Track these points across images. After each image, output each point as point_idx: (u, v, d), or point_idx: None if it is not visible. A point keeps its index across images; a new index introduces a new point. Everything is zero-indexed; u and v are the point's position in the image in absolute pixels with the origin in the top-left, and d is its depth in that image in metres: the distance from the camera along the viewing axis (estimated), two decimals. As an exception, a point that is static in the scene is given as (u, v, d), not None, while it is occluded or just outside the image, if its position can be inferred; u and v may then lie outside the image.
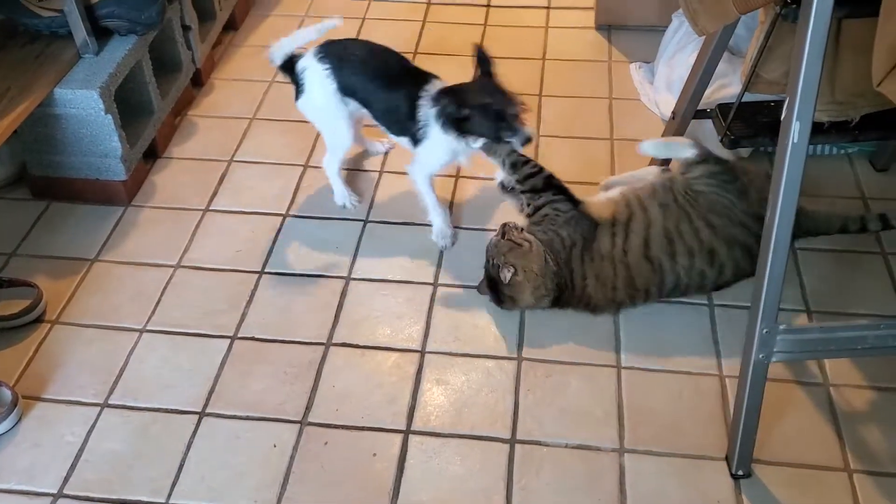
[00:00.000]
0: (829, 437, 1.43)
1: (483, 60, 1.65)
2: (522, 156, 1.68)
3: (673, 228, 1.58)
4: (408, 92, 1.68)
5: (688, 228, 1.58)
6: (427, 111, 1.64)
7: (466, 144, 1.65)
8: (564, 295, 1.59)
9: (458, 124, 1.60)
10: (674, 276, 1.57)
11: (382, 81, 1.72)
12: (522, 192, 1.67)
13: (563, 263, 1.57)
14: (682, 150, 1.67)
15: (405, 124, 1.70)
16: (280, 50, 1.76)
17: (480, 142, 1.65)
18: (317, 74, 1.73)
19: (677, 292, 1.60)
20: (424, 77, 1.71)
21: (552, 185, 1.65)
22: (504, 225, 1.62)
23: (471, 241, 1.79)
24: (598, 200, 1.67)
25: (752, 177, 1.64)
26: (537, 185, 1.65)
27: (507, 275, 1.54)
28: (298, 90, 1.77)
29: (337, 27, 1.74)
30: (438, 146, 1.68)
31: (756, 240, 1.56)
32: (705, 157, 1.64)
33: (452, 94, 1.61)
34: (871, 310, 1.62)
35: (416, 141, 1.71)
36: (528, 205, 1.66)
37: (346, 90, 1.74)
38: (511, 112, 1.59)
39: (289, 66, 1.77)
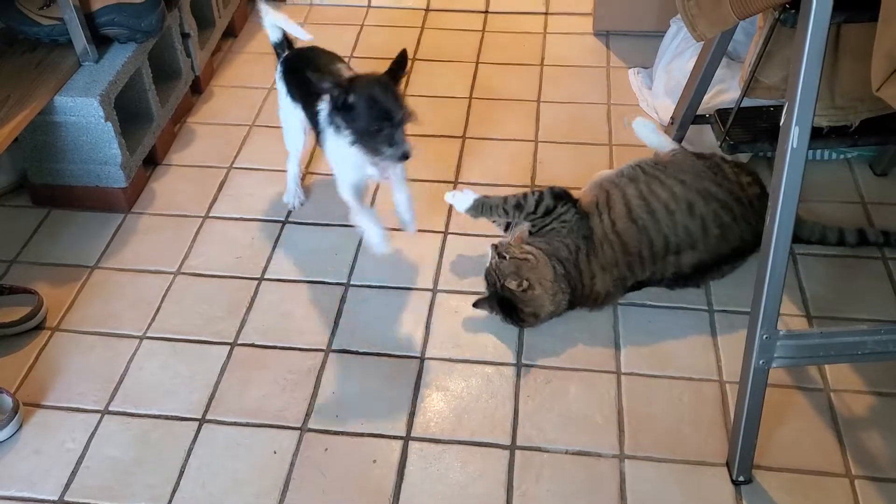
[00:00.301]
0: (829, 442, 1.43)
1: (398, 62, 1.49)
2: (505, 198, 1.66)
3: (646, 191, 1.63)
4: (318, 93, 1.54)
5: (659, 188, 1.63)
6: (324, 110, 1.53)
7: (350, 144, 1.49)
8: (576, 294, 1.59)
9: (339, 115, 1.47)
10: (661, 236, 1.59)
11: (309, 87, 1.58)
12: (527, 221, 1.66)
13: (571, 267, 1.58)
14: (666, 145, 1.76)
15: (316, 132, 1.62)
16: (274, 24, 1.77)
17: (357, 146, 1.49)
18: (278, 73, 1.79)
19: (671, 257, 1.60)
20: (341, 77, 1.56)
21: (560, 197, 1.64)
22: (495, 246, 1.61)
23: (468, 246, 1.79)
24: (581, 194, 1.71)
25: (720, 161, 1.69)
26: (550, 205, 1.63)
27: (526, 292, 1.53)
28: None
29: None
30: (336, 148, 1.54)
31: (734, 199, 1.60)
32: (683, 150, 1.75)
33: (341, 82, 1.46)
34: (872, 314, 1.62)
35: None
36: (535, 226, 1.65)
37: (292, 96, 1.75)
38: (395, 118, 1.44)
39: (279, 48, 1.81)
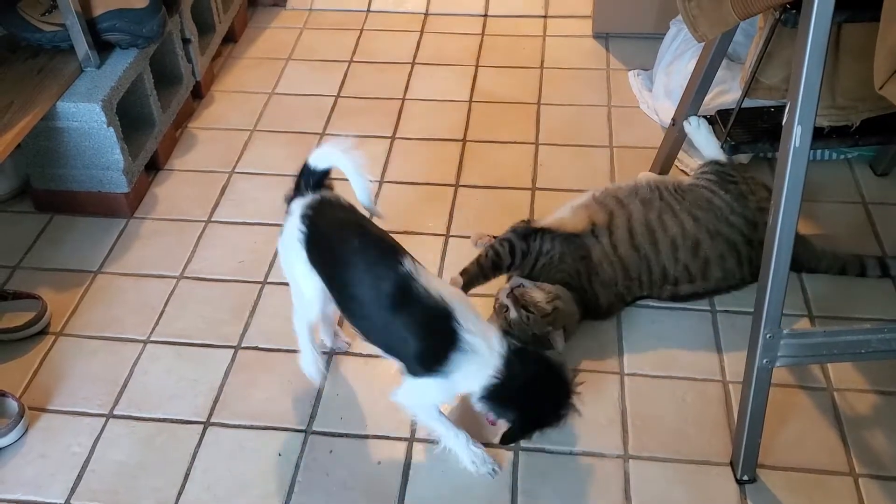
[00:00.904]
0: (833, 441, 1.43)
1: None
2: (488, 257, 1.60)
3: (655, 219, 1.60)
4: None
5: (671, 220, 1.60)
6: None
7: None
8: (588, 311, 1.60)
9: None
10: (659, 267, 1.59)
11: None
12: (519, 266, 1.62)
13: (580, 290, 1.58)
14: (715, 150, 1.71)
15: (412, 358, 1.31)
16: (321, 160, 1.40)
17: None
18: (295, 229, 1.38)
19: (669, 286, 1.61)
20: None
21: (527, 235, 1.61)
22: (514, 297, 1.51)
23: (471, 248, 1.79)
24: (568, 214, 1.65)
25: (753, 186, 1.66)
26: (524, 248, 1.61)
27: (562, 342, 1.50)
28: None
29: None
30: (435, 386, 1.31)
31: (745, 242, 1.58)
32: (725, 162, 1.69)
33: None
34: (874, 314, 1.63)
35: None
36: (522, 269, 1.62)
37: (313, 265, 1.37)
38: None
39: (306, 183, 1.40)
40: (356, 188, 1.37)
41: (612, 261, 1.59)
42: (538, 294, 1.51)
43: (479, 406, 1.32)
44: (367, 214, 1.39)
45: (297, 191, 1.41)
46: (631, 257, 1.59)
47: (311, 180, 1.39)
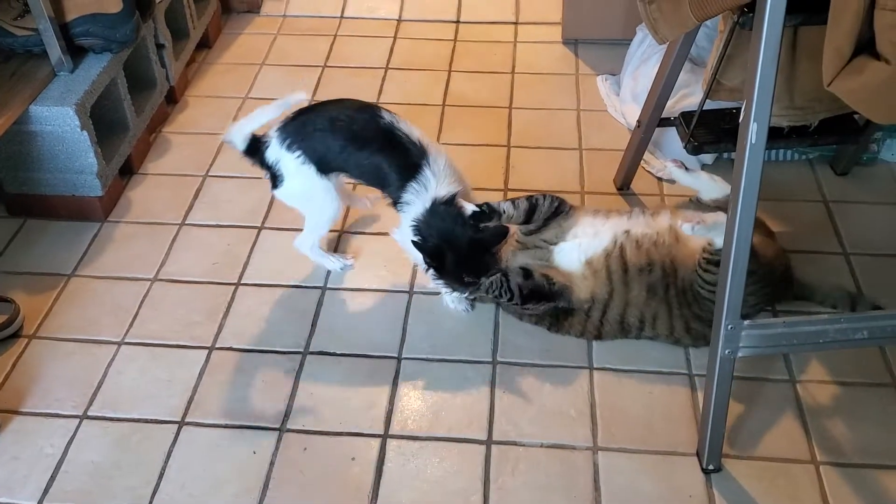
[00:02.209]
0: (795, 430, 1.47)
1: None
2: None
3: (650, 317, 1.57)
4: (398, 160, 1.55)
5: (663, 322, 1.57)
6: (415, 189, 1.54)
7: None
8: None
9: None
10: (636, 337, 1.61)
11: (361, 147, 1.56)
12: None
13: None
14: (712, 187, 1.65)
15: (391, 189, 1.58)
16: (239, 133, 1.61)
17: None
18: (291, 163, 1.58)
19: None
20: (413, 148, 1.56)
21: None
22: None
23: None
24: (579, 274, 1.58)
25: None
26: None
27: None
28: (274, 180, 1.63)
29: (301, 102, 1.61)
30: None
31: None
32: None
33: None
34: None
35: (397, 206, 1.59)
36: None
37: (325, 168, 1.59)
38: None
39: (254, 149, 1.62)
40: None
41: (587, 328, 1.61)
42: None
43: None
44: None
45: (257, 151, 1.63)
46: (612, 330, 1.60)
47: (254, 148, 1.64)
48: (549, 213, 1.61)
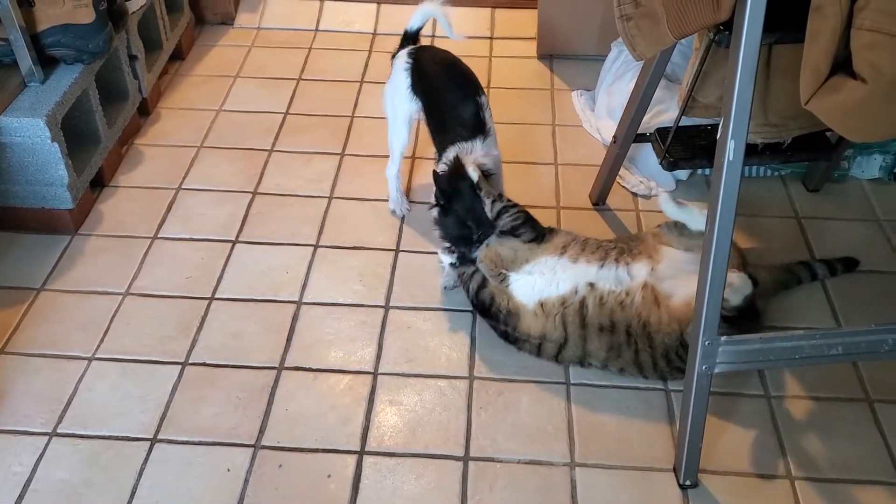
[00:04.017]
0: (771, 446, 1.48)
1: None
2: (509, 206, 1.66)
3: (614, 360, 1.55)
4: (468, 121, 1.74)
5: (630, 359, 1.54)
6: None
7: None
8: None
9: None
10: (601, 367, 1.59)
11: (442, 91, 1.79)
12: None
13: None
14: (702, 220, 1.53)
15: (446, 136, 1.75)
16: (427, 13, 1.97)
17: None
18: (401, 66, 1.85)
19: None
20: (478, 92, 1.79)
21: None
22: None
23: (420, 263, 1.82)
24: (530, 311, 1.57)
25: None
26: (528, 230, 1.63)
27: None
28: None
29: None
30: None
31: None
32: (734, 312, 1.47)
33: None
34: (808, 323, 1.69)
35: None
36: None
37: (415, 90, 1.83)
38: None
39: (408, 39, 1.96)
40: (444, 27, 1.99)
41: (534, 343, 1.59)
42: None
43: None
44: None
45: (400, 47, 1.94)
46: (569, 353, 1.58)
47: (410, 39, 1.96)
48: (507, 227, 1.61)
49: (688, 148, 1.73)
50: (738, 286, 1.46)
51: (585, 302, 1.53)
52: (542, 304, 1.55)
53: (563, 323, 1.54)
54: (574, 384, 1.58)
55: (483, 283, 1.62)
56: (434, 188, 1.65)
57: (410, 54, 1.87)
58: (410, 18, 1.94)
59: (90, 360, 1.61)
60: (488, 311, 1.62)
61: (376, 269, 1.81)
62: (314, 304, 1.74)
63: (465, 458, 1.45)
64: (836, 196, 2.01)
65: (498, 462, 1.45)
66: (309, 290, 1.77)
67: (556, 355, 1.58)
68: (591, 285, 1.53)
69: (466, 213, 1.63)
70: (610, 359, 1.55)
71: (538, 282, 1.57)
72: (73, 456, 1.45)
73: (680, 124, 1.68)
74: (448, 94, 1.78)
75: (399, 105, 1.86)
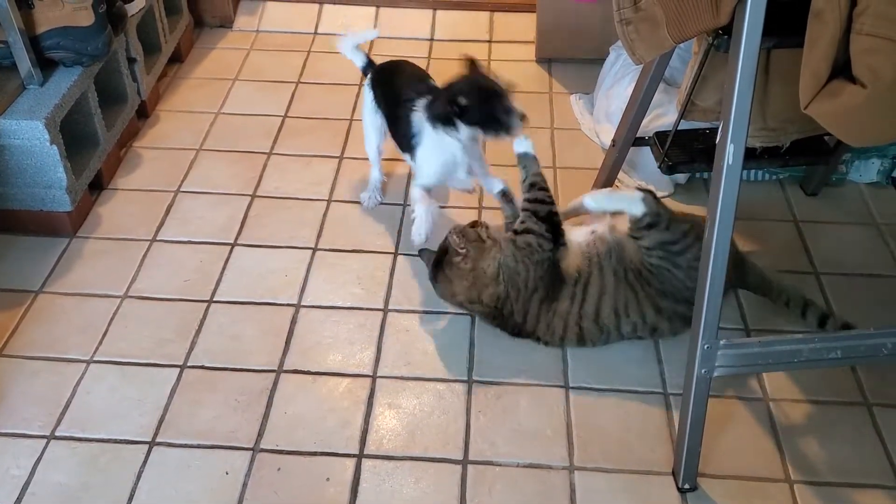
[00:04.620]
0: (770, 449, 1.48)
1: (471, 63, 1.72)
2: (544, 183, 1.66)
3: (622, 306, 1.58)
4: (407, 102, 1.74)
5: (634, 308, 1.59)
6: (419, 116, 1.71)
7: (461, 142, 1.69)
8: (506, 321, 1.62)
9: (452, 118, 1.64)
10: (617, 337, 1.63)
11: (395, 97, 1.81)
12: (524, 209, 1.64)
13: (513, 295, 1.59)
14: (630, 204, 1.58)
15: (406, 135, 1.76)
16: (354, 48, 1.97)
17: (473, 135, 1.68)
18: (367, 84, 1.92)
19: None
20: (427, 87, 1.78)
21: (551, 221, 1.61)
22: (475, 222, 1.65)
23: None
24: (573, 245, 1.62)
25: (692, 243, 1.57)
26: (540, 211, 1.61)
27: (457, 257, 1.58)
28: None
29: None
30: (432, 151, 1.72)
31: None
32: (654, 219, 1.56)
33: (444, 91, 1.67)
34: (806, 327, 1.68)
35: (412, 152, 1.76)
36: (522, 223, 1.62)
37: (377, 104, 1.89)
38: (503, 98, 1.65)
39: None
40: (365, 39, 2.09)
41: (568, 323, 1.60)
42: (485, 231, 1.63)
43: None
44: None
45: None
46: (591, 330, 1.60)
47: (368, 67, 1.97)
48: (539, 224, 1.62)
49: (686, 151, 1.73)
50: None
51: (593, 241, 1.63)
52: (579, 244, 1.64)
53: (588, 258, 1.61)
54: (573, 387, 1.58)
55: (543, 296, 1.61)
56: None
57: (368, 73, 1.95)
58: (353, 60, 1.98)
59: (88, 362, 1.61)
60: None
61: (375, 272, 1.81)
62: (313, 307, 1.74)
63: (464, 462, 1.45)
64: (834, 200, 2.01)
65: (497, 465, 1.45)
66: (308, 293, 1.76)
67: (579, 313, 1.59)
68: (593, 231, 1.66)
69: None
70: (618, 290, 1.58)
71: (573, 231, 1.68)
72: (71, 459, 1.44)
73: (678, 128, 1.68)
74: (401, 90, 1.81)
75: (368, 119, 1.93)
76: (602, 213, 1.68)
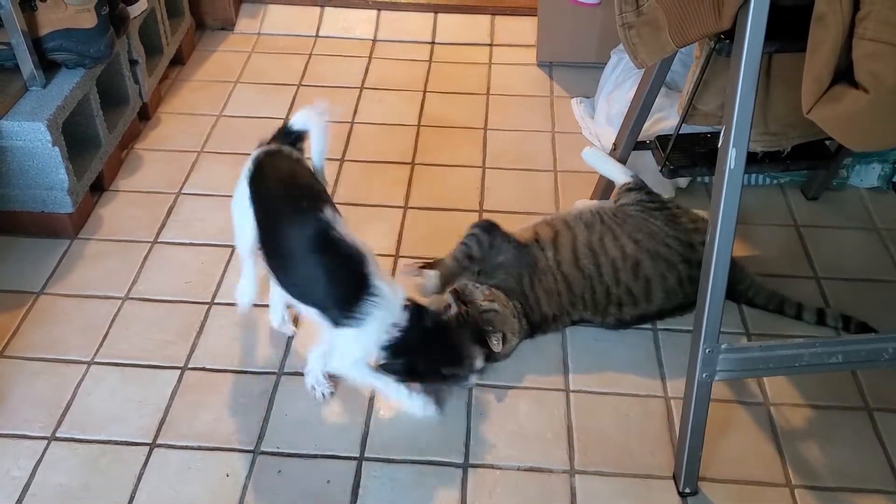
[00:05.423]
0: (770, 454, 1.48)
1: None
2: (462, 249, 1.67)
3: (597, 242, 1.65)
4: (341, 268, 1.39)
5: (611, 242, 1.65)
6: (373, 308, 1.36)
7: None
8: (531, 321, 1.63)
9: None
10: (602, 287, 1.63)
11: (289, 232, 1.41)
12: (482, 259, 1.67)
13: (521, 297, 1.61)
14: (619, 174, 1.78)
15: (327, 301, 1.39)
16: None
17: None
18: (244, 170, 1.51)
19: (613, 308, 1.64)
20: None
21: (490, 230, 1.67)
22: (455, 292, 1.59)
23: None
24: (520, 229, 1.71)
25: (677, 211, 1.72)
26: (488, 240, 1.67)
27: (500, 345, 1.54)
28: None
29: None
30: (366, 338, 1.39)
31: (683, 261, 1.63)
32: (637, 186, 1.75)
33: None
34: (807, 332, 1.69)
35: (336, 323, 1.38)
36: (487, 262, 1.66)
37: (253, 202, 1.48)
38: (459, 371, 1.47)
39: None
40: (314, 150, 1.55)
41: (555, 275, 1.63)
42: (477, 293, 1.59)
43: (380, 355, 1.40)
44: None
45: (269, 142, 1.55)
46: (574, 276, 1.63)
47: (287, 139, 1.55)
48: (485, 247, 1.67)
49: (688, 155, 1.73)
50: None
51: (567, 221, 1.71)
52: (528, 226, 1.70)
53: (548, 223, 1.70)
54: (573, 391, 1.58)
55: (533, 277, 1.63)
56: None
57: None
58: (293, 116, 1.57)
59: (89, 364, 1.61)
60: (519, 259, 1.64)
61: (376, 275, 1.81)
62: (314, 309, 1.74)
63: (465, 465, 1.45)
64: (835, 204, 2.02)
65: (497, 469, 1.45)
66: (309, 296, 1.76)
67: (556, 261, 1.63)
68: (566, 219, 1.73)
69: (443, 346, 1.46)
70: (592, 232, 1.66)
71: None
72: (71, 460, 1.44)
73: (680, 132, 1.68)
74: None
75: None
76: (592, 167, 1.86)
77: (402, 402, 1.48)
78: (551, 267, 1.63)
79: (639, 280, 1.64)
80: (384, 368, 1.42)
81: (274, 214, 1.44)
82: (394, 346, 1.38)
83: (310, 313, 1.42)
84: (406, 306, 1.39)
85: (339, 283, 1.38)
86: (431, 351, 1.43)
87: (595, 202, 1.84)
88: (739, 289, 1.72)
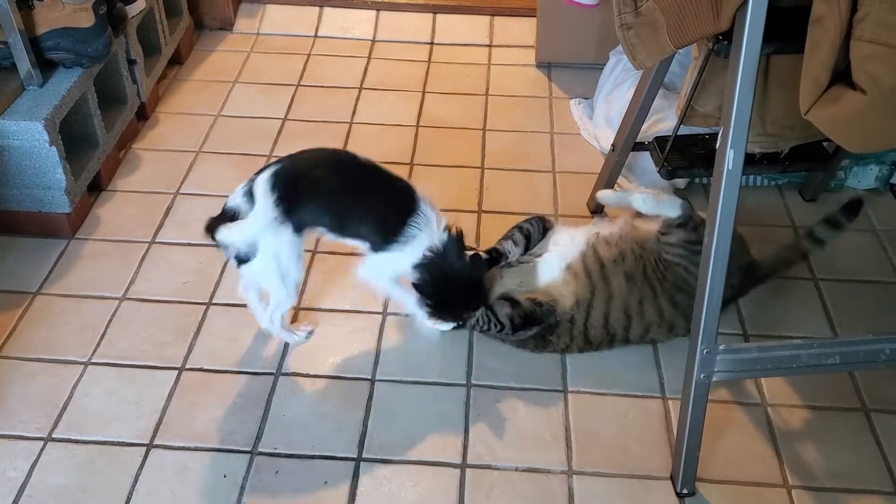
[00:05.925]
0: (768, 454, 1.48)
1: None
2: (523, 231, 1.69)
3: (635, 305, 1.59)
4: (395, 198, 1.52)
5: (650, 306, 1.60)
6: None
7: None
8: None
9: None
10: (624, 342, 1.63)
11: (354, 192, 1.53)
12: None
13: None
14: (671, 208, 1.62)
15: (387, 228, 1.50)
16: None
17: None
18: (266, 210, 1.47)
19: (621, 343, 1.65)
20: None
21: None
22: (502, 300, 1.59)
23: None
24: (560, 281, 1.61)
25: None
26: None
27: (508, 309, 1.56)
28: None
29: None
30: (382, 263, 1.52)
31: None
32: (685, 221, 1.60)
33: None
34: (805, 333, 1.69)
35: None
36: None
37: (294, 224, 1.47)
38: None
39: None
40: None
41: (573, 337, 1.61)
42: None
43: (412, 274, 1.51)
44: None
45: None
46: (600, 335, 1.60)
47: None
48: (539, 235, 1.67)
49: (686, 156, 1.73)
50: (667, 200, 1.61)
51: (597, 247, 1.64)
52: (568, 268, 1.62)
53: (587, 274, 1.60)
54: (571, 391, 1.58)
55: (513, 302, 1.57)
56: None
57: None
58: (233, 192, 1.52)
59: (86, 364, 1.61)
60: (538, 317, 1.57)
61: (374, 276, 1.81)
62: (312, 309, 1.74)
63: (463, 466, 1.45)
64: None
65: (495, 469, 1.45)
66: (306, 296, 1.76)
67: (584, 324, 1.59)
68: (597, 234, 1.66)
69: (468, 290, 1.55)
70: (631, 291, 1.59)
71: (562, 249, 1.65)
72: (68, 461, 1.44)
73: (678, 133, 1.68)
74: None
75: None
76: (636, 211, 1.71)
77: (417, 316, 1.58)
78: (573, 335, 1.61)
79: (668, 335, 1.64)
80: (416, 287, 1.52)
81: (327, 194, 1.51)
82: (425, 266, 1.49)
83: (352, 243, 1.53)
84: (447, 229, 1.51)
85: (394, 207, 1.51)
86: (457, 279, 1.51)
87: (638, 232, 1.68)
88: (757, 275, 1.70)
